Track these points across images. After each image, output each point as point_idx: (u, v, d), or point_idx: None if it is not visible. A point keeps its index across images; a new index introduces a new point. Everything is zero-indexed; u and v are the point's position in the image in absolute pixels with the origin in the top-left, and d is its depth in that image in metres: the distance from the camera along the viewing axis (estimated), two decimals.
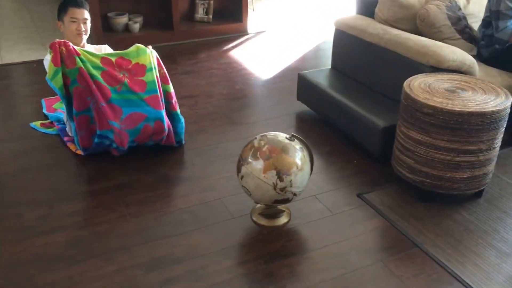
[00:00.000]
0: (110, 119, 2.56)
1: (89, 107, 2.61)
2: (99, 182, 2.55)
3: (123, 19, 4.56)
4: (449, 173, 2.27)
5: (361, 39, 3.03)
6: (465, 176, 2.27)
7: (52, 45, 2.53)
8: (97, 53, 2.68)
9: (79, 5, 2.86)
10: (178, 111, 2.84)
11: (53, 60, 2.52)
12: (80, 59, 2.55)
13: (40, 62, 4.11)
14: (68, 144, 2.83)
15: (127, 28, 4.61)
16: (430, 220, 2.30)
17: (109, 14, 4.56)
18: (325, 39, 4.94)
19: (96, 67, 2.58)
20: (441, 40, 2.84)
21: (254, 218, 2.29)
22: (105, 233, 2.19)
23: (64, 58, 2.53)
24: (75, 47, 2.58)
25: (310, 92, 3.24)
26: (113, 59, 2.65)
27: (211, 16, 4.93)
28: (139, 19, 4.65)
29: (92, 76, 2.55)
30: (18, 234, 2.17)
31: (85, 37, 2.95)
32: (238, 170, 2.17)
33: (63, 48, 2.53)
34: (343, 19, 3.21)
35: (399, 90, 2.79)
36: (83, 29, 2.90)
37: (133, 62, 2.67)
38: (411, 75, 2.62)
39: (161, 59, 2.80)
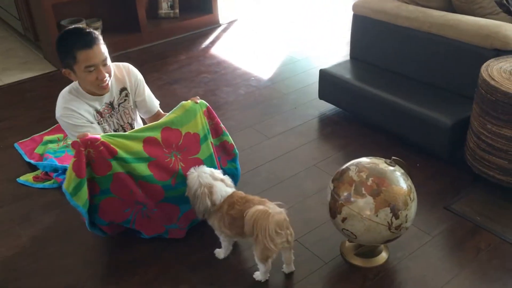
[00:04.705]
0: (164, 224, 2.01)
1: (127, 219, 1.96)
2: (139, 244, 2.05)
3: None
4: None
5: (393, 24, 2.69)
6: None
7: (75, 146, 1.74)
8: (133, 133, 1.90)
9: (90, 44, 1.89)
10: (229, 163, 2.21)
11: (75, 167, 1.73)
12: (117, 158, 1.80)
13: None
14: None
15: None
16: None
17: (62, 22, 3.82)
18: (304, 24, 4.56)
19: (140, 158, 1.86)
20: (483, 16, 2.57)
21: (351, 260, 1.92)
22: None
23: (93, 163, 1.78)
24: (109, 142, 1.78)
25: (338, 89, 2.88)
26: (158, 135, 1.91)
27: (177, 11, 4.36)
28: (98, 23, 3.99)
29: (137, 177, 1.85)
30: None
31: (110, 82, 2.05)
32: (337, 212, 1.78)
33: (91, 150, 1.76)
34: (366, 3, 2.84)
35: (455, 79, 2.53)
36: (107, 75, 1.98)
37: (183, 133, 1.97)
38: (468, 61, 2.36)
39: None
